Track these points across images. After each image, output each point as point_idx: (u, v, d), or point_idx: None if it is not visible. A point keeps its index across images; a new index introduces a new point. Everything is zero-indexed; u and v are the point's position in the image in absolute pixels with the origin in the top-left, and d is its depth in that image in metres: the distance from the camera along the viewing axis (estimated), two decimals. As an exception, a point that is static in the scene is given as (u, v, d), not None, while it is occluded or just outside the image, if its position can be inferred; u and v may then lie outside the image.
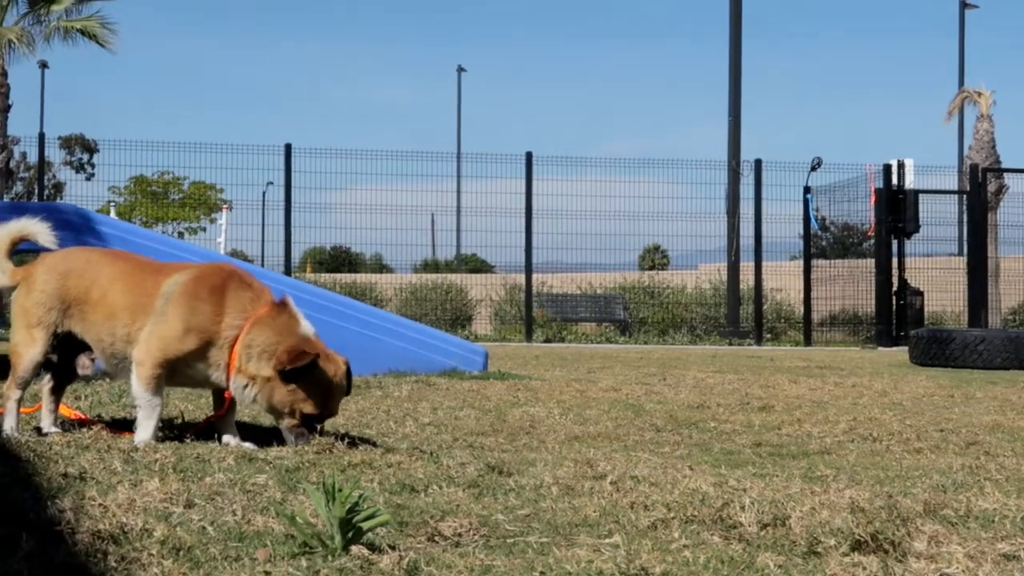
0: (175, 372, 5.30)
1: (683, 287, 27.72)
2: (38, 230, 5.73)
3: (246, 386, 5.19)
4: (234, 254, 25.95)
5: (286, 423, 5.20)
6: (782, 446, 6.16)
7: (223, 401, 5.44)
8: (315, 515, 3.45)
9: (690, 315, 26.87)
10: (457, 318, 26.78)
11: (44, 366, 5.64)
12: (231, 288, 5.29)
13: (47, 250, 5.75)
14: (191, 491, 3.95)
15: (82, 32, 28.06)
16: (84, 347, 5.59)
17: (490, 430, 6.50)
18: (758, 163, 25.80)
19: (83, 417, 5.99)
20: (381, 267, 32.40)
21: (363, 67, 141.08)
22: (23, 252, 6.47)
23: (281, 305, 5.29)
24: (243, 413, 6.46)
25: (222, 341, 5.21)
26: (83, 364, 5.72)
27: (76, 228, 9.34)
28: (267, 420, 6.40)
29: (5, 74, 26.56)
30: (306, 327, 5.26)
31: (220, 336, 5.21)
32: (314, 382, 5.15)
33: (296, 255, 25.97)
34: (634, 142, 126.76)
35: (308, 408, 5.15)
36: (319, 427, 5.24)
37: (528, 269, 24.88)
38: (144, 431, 5.22)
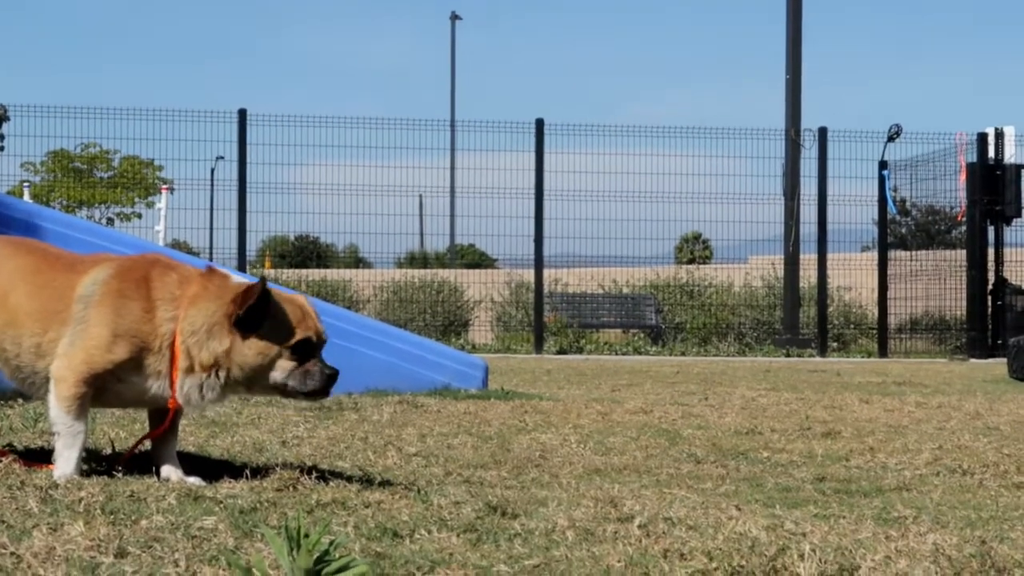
0: (104, 390, 5.31)
1: (729, 285, 27.73)
2: None
3: (207, 378, 5.21)
4: (176, 245, 26.02)
5: (284, 370, 5.21)
6: (851, 481, 6.17)
7: (161, 420, 5.46)
8: (275, 566, 3.46)
9: (738, 319, 26.89)
10: (451, 324, 26.81)
11: None
12: (155, 276, 5.32)
13: None
14: (123, 537, 3.96)
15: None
16: None
17: (491, 462, 6.52)
18: (822, 132, 25.83)
19: (-10, 447, 6.01)
20: (357, 261, 32.41)
21: (334, 16, 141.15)
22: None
23: (209, 272, 5.35)
24: (186, 441, 6.48)
25: (159, 342, 5.24)
26: None
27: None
28: (216, 450, 6.42)
29: None
30: (239, 279, 5.33)
31: (156, 336, 5.24)
32: (280, 310, 5.21)
33: (252, 246, 26.07)
34: (667, 106, 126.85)
35: (297, 334, 5.20)
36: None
37: (538, 263, 24.91)
38: (65, 464, 5.23)
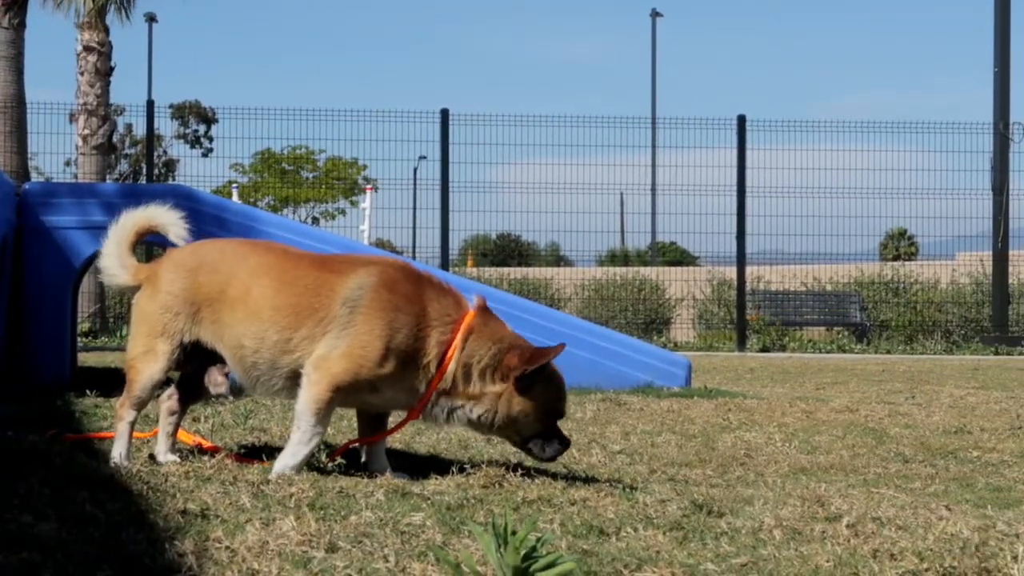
0: (353, 396, 5.37)
1: (935, 282, 27.30)
2: (168, 220, 5.78)
3: (463, 407, 5.33)
4: (379, 244, 26.31)
5: (533, 431, 5.40)
6: (1065, 482, 6.06)
7: (375, 428, 5.52)
8: (483, 562, 3.49)
9: (945, 317, 26.46)
10: (652, 322, 26.78)
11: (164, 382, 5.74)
12: (429, 295, 5.36)
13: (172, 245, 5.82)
14: (334, 532, 4.03)
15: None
16: (212, 360, 5.66)
17: (696, 460, 6.51)
18: (1031, 125, 25.29)
19: (203, 443, 6.13)
20: (558, 259, 32.55)
21: (534, 16, 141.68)
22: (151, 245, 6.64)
23: (483, 309, 5.41)
24: (393, 438, 6.56)
25: (425, 360, 5.30)
26: (215, 380, 5.80)
27: (204, 217, 9.47)
28: (423, 447, 6.49)
29: (107, 30, 27.15)
30: (510, 328, 5.47)
31: (424, 355, 5.30)
32: (553, 381, 5.41)
33: (455, 245, 26.26)
34: (870, 102, 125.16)
35: (556, 407, 5.45)
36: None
37: (740, 261, 24.76)
38: (291, 458, 5.25)
